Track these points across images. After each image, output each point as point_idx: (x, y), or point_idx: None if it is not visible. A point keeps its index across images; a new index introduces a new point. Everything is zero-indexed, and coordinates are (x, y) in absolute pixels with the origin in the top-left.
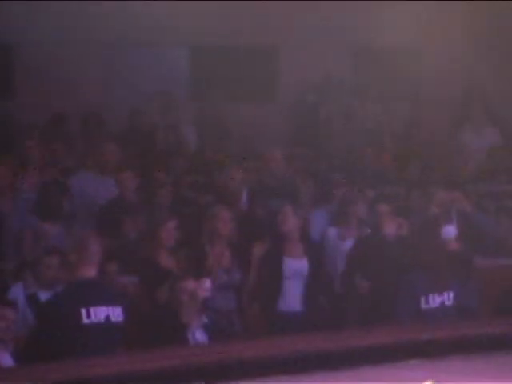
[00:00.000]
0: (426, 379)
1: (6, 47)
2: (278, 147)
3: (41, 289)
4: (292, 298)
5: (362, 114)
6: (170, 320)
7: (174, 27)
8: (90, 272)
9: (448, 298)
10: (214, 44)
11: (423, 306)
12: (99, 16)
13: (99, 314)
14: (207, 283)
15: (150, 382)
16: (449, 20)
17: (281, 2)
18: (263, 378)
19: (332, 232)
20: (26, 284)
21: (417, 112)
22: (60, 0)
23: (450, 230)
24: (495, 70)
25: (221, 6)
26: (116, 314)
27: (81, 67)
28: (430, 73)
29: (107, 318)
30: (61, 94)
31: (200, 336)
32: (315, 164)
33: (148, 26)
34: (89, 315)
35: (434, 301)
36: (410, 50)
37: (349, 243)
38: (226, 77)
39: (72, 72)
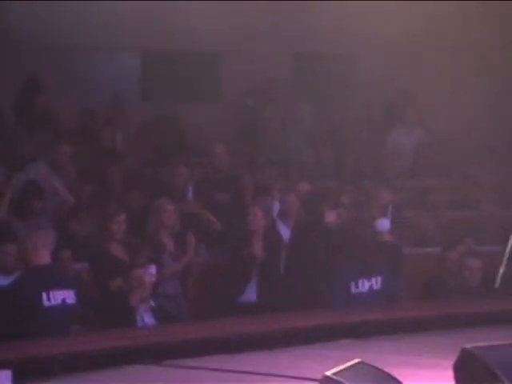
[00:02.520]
0: (354, 358)
1: None
2: (222, 143)
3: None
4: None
5: (300, 114)
6: (120, 304)
7: (127, 32)
8: (46, 259)
9: (376, 283)
10: (164, 48)
11: (353, 290)
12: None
13: (57, 297)
14: (153, 270)
15: (101, 361)
16: (384, 24)
17: (225, 8)
18: (206, 356)
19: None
20: None
21: (353, 113)
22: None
23: (384, 224)
24: (428, 74)
25: (173, 14)
26: (70, 296)
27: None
28: (365, 77)
29: (63, 300)
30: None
31: (148, 319)
32: (255, 159)
33: (103, 30)
34: (49, 298)
35: (364, 285)
36: (347, 56)
37: (287, 232)
38: (175, 79)
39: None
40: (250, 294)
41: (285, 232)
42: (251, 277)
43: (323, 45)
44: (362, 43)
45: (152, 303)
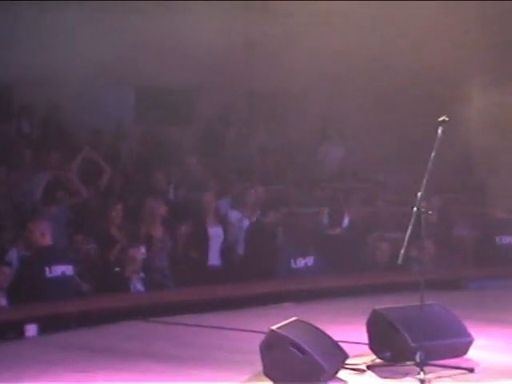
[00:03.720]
0: (293, 316)
1: None
2: (194, 156)
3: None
4: (213, 254)
5: (253, 134)
6: (118, 275)
7: (126, 72)
8: (48, 241)
9: (309, 261)
10: (152, 85)
11: (293, 265)
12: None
13: (57, 270)
14: (143, 249)
15: (104, 317)
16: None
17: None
18: (183, 314)
19: (234, 213)
20: (19, 249)
21: (290, 132)
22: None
23: (345, 221)
24: (349, 108)
25: (159, 58)
26: (69, 270)
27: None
28: (309, 109)
29: (63, 272)
30: None
31: (139, 286)
32: (219, 167)
33: (108, 70)
34: (50, 271)
35: (300, 262)
36: (295, 93)
37: (246, 222)
38: (160, 107)
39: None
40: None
41: (245, 222)
42: (208, 247)
43: (272, 85)
44: (311, 83)
45: (142, 275)
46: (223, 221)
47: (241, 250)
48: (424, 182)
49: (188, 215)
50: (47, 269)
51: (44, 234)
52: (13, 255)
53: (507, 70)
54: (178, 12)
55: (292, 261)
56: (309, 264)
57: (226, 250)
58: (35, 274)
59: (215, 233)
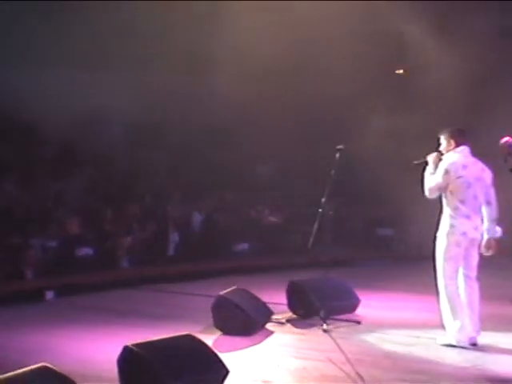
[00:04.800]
0: (234, 286)
1: None
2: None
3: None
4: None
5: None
6: (111, 256)
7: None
8: (77, 231)
9: (246, 246)
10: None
11: (236, 249)
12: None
13: (82, 250)
14: (129, 239)
15: (103, 286)
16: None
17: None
18: (161, 284)
19: (196, 215)
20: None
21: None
22: None
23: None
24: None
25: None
26: (88, 251)
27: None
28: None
29: (85, 252)
30: None
31: (126, 264)
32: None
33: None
34: (79, 251)
35: (243, 246)
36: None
37: (200, 217)
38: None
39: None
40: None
41: (199, 218)
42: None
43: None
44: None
45: (127, 255)
46: (180, 227)
47: (199, 238)
48: (326, 190)
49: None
50: (76, 250)
51: (74, 225)
52: (37, 243)
53: (408, 98)
54: None
55: (235, 245)
56: (245, 248)
57: (187, 238)
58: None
59: (172, 238)
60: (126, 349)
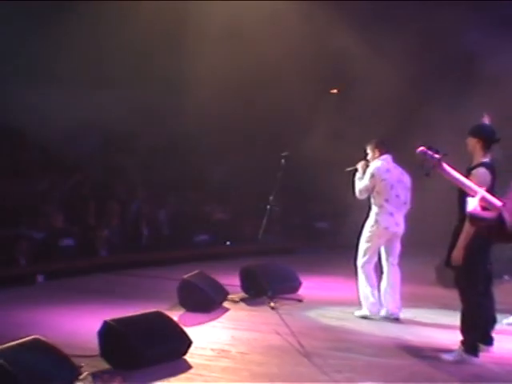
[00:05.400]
0: (196, 270)
1: None
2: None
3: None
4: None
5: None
6: (93, 245)
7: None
8: (61, 224)
9: (206, 237)
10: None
11: (195, 239)
12: None
13: (65, 241)
14: (106, 231)
15: (84, 273)
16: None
17: None
18: (135, 269)
19: (162, 211)
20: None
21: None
22: None
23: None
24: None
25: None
26: (69, 242)
27: None
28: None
29: (67, 243)
30: None
31: (104, 252)
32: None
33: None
34: (62, 242)
35: (201, 237)
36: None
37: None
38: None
39: None
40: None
41: (165, 214)
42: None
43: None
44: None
45: (106, 245)
46: (150, 221)
47: (166, 230)
48: (274, 189)
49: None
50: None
51: (58, 219)
52: (28, 234)
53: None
54: None
55: (194, 237)
56: (205, 238)
57: (155, 231)
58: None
59: (144, 231)
60: (105, 323)
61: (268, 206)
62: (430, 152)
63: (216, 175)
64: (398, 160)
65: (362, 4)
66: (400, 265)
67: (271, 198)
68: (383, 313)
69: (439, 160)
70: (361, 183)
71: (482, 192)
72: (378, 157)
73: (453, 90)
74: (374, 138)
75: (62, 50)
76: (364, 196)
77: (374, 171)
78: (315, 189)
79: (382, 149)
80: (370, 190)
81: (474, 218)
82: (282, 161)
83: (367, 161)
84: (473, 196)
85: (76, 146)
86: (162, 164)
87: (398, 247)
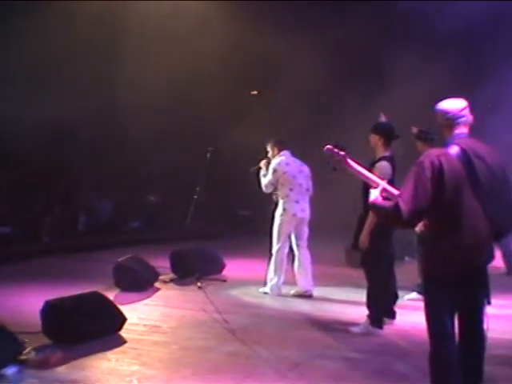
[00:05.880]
0: (129, 254)
1: None
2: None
3: None
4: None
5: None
6: (36, 232)
7: None
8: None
9: (138, 223)
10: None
11: (130, 226)
12: None
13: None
14: (49, 218)
15: (27, 257)
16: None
17: None
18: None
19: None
20: None
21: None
22: None
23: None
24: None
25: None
26: (6, 229)
27: None
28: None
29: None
30: None
31: (46, 238)
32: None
33: None
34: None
35: (136, 224)
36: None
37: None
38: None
39: None
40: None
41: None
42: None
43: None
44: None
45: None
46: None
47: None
48: (200, 182)
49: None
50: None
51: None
52: None
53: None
54: None
55: (129, 223)
56: (138, 225)
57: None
58: None
59: (82, 219)
60: (46, 303)
61: (195, 196)
62: (335, 149)
63: (151, 168)
64: (311, 155)
65: (283, 9)
66: (309, 247)
67: (198, 188)
68: (297, 290)
69: (344, 156)
70: (265, 179)
71: (383, 184)
72: (277, 154)
73: (363, 92)
74: (273, 137)
75: (6, 50)
76: (270, 190)
77: (276, 166)
78: (238, 180)
79: (281, 146)
80: (274, 183)
81: (374, 208)
82: (208, 155)
83: (268, 158)
84: (375, 188)
85: (24, 141)
86: (103, 157)
87: (305, 231)
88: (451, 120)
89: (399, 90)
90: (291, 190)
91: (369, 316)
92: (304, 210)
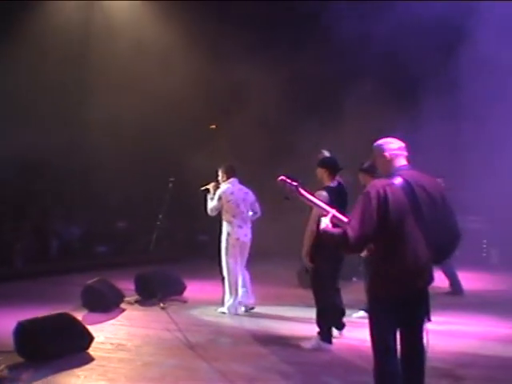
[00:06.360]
0: (96, 277)
1: None
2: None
3: None
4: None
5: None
6: (9, 258)
7: None
8: None
9: (105, 248)
10: None
11: (97, 250)
12: None
13: None
14: (19, 245)
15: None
16: None
17: None
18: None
19: (74, 227)
20: None
21: None
22: None
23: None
24: None
25: None
26: None
27: None
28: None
29: None
30: None
31: (18, 263)
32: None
33: None
34: None
35: (103, 248)
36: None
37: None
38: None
39: None
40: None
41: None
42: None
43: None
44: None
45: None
46: (60, 236)
47: (75, 243)
48: (162, 211)
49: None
50: None
51: None
52: None
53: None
54: None
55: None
56: (104, 250)
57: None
58: None
59: (52, 244)
60: (19, 323)
61: (158, 223)
62: (288, 180)
63: (118, 195)
64: (267, 183)
65: (241, 45)
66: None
67: (160, 216)
68: (243, 309)
69: (296, 187)
70: (211, 203)
71: (332, 211)
72: (225, 180)
73: (320, 121)
74: (224, 163)
75: None
76: (214, 213)
77: (221, 194)
78: (197, 207)
79: (230, 173)
80: (218, 208)
81: (324, 234)
82: (170, 184)
83: (218, 182)
84: (325, 215)
85: None
86: (70, 188)
87: (246, 254)
88: (393, 155)
89: (351, 125)
90: (234, 216)
91: (319, 332)
92: (246, 235)
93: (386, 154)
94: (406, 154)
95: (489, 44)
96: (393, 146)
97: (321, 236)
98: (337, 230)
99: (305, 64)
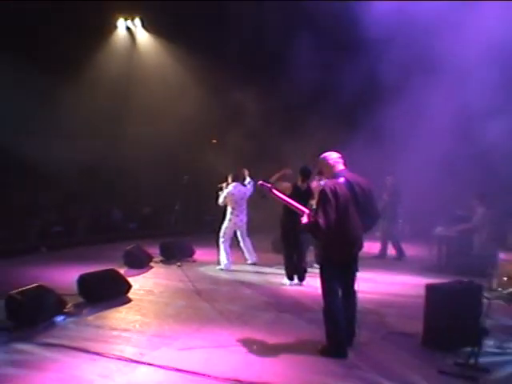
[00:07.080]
0: (133, 244)
1: None
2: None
3: None
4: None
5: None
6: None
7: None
8: None
9: (135, 225)
10: None
11: (130, 227)
12: None
13: None
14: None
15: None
16: None
17: None
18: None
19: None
20: None
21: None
22: None
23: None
24: None
25: None
26: None
27: None
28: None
29: None
30: None
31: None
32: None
33: None
34: None
35: (133, 225)
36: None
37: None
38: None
39: None
40: None
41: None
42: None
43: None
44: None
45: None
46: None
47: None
48: (179, 199)
49: None
50: None
51: None
52: None
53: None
54: None
55: (129, 224)
56: (135, 226)
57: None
58: None
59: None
60: (80, 276)
61: (176, 207)
62: (265, 183)
63: (147, 188)
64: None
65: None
66: (249, 237)
67: (178, 202)
68: (249, 262)
69: (270, 188)
70: (221, 197)
71: (299, 207)
72: (231, 183)
73: (297, 128)
74: (233, 171)
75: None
76: (222, 205)
77: (227, 194)
78: (207, 195)
79: (233, 179)
80: (225, 202)
81: (304, 225)
82: (185, 178)
83: (227, 183)
84: (297, 208)
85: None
86: (113, 185)
87: (245, 231)
88: (336, 163)
89: (308, 140)
90: (234, 208)
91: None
92: (242, 221)
93: (331, 162)
94: (342, 161)
95: None
96: (335, 156)
97: (299, 225)
98: (311, 222)
99: (280, 93)
